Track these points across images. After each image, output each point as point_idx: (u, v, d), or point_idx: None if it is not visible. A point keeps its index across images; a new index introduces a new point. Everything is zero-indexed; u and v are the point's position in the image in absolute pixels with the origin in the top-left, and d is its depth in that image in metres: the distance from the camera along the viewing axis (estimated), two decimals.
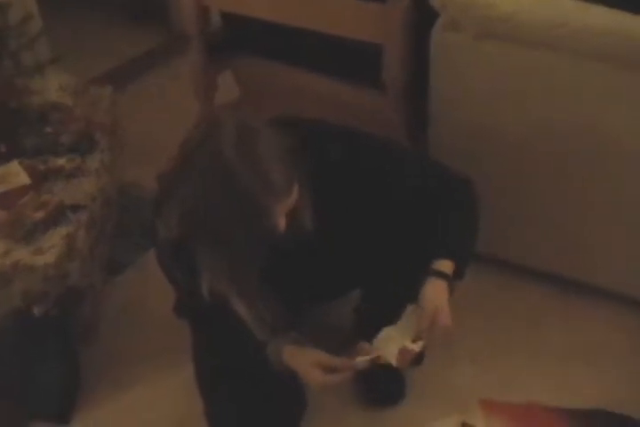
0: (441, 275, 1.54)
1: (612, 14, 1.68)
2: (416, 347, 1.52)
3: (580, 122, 1.77)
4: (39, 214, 1.84)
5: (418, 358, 1.67)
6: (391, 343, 1.52)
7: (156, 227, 1.48)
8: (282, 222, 1.40)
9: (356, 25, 1.97)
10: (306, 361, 1.56)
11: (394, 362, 1.52)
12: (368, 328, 1.60)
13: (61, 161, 2.02)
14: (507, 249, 2.08)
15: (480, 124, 1.89)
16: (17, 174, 1.93)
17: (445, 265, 1.55)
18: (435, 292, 1.53)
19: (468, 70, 1.83)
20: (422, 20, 1.86)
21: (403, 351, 1.51)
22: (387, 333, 1.54)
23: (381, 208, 1.54)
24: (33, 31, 2.32)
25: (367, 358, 1.52)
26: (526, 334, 2.00)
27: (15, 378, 1.82)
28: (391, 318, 1.61)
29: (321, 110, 1.89)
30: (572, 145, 1.82)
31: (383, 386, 1.83)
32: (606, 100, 1.72)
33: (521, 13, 1.70)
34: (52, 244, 1.82)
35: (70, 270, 1.84)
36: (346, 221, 1.54)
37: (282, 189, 1.35)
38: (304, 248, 1.51)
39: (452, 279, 1.56)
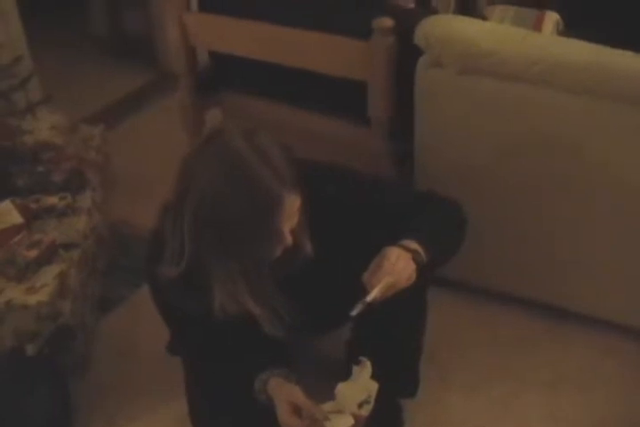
0: (402, 247, 1.46)
1: (587, 49, 1.73)
2: (364, 412, 1.52)
3: (562, 152, 1.80)
4: (32, 253, 1.85)
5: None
6: (345, 407, 1.51)
7: (156, 271, 1.49)
8: (289, 237, 1.42)
9: (340, 62, 2.01)
10: (282, 396, 1.56)
11: None
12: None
13: (53, 199, 2.04)
14: (495, 279, 2.09)
15: (465, 156, 1.92)
16: (9, 213, 1.95)
17: (411, 243, 1.48)
18: (392, 251, 1.45)
19: (452, 105, 1.87)
20: (407, 56, 1.90)
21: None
22: (341, 391, 1.52)
23: (373, 239, 1.55)
24: (24, 72, 2.36)
25: (323, 415, 1.51)
26: (517, 361, 2.00)
27: (6, 417, 1.81)
28: (381, 349, 1.63)
29: (308, 146, 1.91)
30: (556, 176, 1.85)
31: (381, 415, 1.82)
32: (585, 129, 1.76)
33: (501, 50, 1.74)
34: (45, 282, 1.83)
35: (62, 309, 1.85)
36: (338, 254, 1.56)
37: (290, 181, 1.37)
38: (298, 280, 1.53)
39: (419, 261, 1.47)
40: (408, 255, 1.46)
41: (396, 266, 1.44)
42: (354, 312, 1.43)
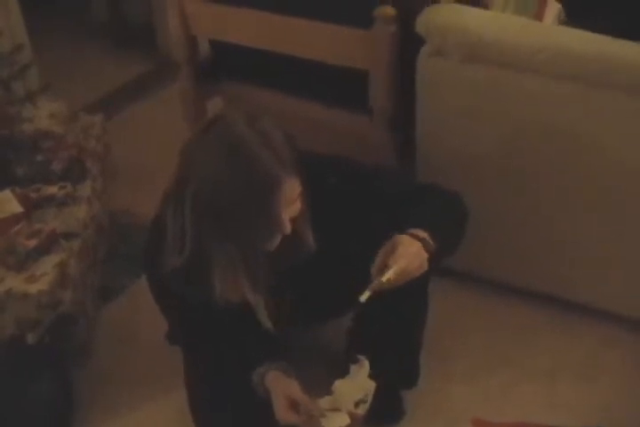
0: (412, 235, 1.46)
1: (588, 38, 1.73)
2: (360, 410, 1.51)
3: (562, 140, 1.80)
4: (32, 242, 1.85)
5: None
6: (342, 405, 1.51)
7: (155, 261, 1.49)
8: (287, 225, 1.41)
9: (342, 51, 2.00)
10: (280, 390, 1.55)
11: None
12: (360, 351, 1.60)
13: (53, 189, 2.03)
14: (498, 269, 2.09)
15: (466, 144, 1.92)
16: (9, 202, 1.94)
17: (419, 231, 1.48)
18: (404, 238, 1.45)
19: (454, 94, 1.86)
20: (408, 45, 1.89)
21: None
22: (338, 389, 1.51)
23: (374, 228, 1.55)
24: (23, 60, 2.35)
25: (320, 412, 1.50)
26: (517, 351, 2.01)
27: (8, 407, 1.81)
28: (382, 340, 1.62)
29: (310, 135, 1.90)
30: (556, 164, 1.85)
31: (382, 405, 1.83)
32: (583, 117, 1.75)
33: (504, 39, 1.74)
34: (45, 271, 1.83)
35: (63, 298, 1.85)
36: (339, 244, 1.56)
37: (290, 163, 1.36)
38: (300, 270, 1.53)
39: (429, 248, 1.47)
40: (419, 244, 1.46)
41: (409, 251, 1.44)
42: (362, 298, 1.43)
